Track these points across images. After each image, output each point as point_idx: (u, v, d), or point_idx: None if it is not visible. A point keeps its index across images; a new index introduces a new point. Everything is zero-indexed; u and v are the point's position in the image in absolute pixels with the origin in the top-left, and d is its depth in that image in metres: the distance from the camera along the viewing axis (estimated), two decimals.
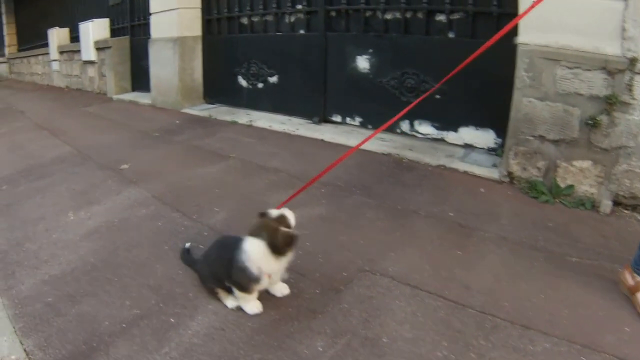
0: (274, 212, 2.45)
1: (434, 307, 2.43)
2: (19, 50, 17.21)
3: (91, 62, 10.62)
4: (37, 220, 3.81)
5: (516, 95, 3.79)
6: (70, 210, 3.92)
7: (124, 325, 2.47)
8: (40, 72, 14.54)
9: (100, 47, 10.14)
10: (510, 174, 3.90)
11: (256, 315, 2.48)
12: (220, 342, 2.31)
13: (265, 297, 2.57)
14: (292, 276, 2.67)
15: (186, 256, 2.99)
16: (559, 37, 3.56)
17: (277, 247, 2.32)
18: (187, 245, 3.05)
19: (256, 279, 2.37)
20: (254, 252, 2.35)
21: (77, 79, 11.66)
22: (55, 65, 12.80)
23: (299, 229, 3.14)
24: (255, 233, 2.40)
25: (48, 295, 2.79)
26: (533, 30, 3.66)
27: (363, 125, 5.69)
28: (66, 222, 3.73)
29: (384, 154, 4.68)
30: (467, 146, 4.75)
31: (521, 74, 3.74)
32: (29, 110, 9.19)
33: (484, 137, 4.64)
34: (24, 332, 2.50)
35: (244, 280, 2.39)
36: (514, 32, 3.74)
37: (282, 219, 2.41)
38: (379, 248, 3.03)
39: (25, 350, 2.37)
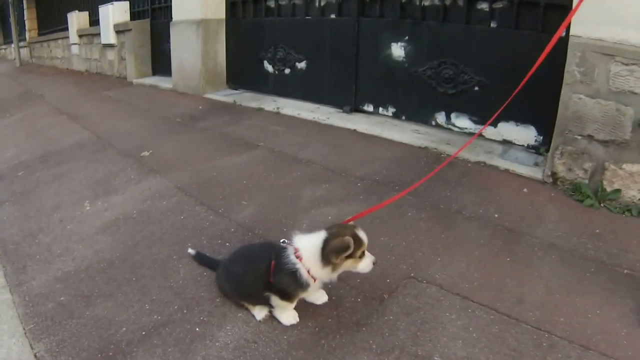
0: (359, 231, 2.15)
1: (486, 321, 2.24)
2: (39, 35, 17.16)
3: (111, 46, 10.46)
4: (52, 210, 3.64)
5: (565, 91, 3.56)
6: (86, 200, 3.73)
7: (143, 332, 2.25)
8: (60, 56, 14.45)
9: (120, 30, 9.94)
10: (554, 175, 3.66)
11: (293, 327, 2.24)
12: (252, 357, 2.07)
13: (302, 306, 2.33)
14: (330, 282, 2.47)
15: (200, 258, 2.74)
16: (616, 30, 3.28)
17: (325, 249, 2.06)
18: (191, 251, 2.77)
19: (305, 285, 2.11)
20: (306, 251, 2.11)
21: (97, 62, 11.52)
22: (75, 49, 12.68)
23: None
24: (329, 229, 2.17)
25: (61, 294, 2.60)
26: (587, 22, 3.38)
27: (396, 116, 5.42)
28: (82, 212, 3.54)
29: (420, 147, 4.43)
30: (506, 142, 4.49)
31: (572, 69, 3.48)
32: (49, 94, 9.09)
33: (525, 134, 4.38)
34: (34, 335, 2.31)
35: (291, 287, 2.13)
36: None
37: (356, 237, 2.11)
38: (423, 252, 2.80)
39: (35, 356, 2.19)
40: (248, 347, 2.11)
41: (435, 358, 2.02)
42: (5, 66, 17.75)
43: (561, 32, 2.75)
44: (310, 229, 2.99)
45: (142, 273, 2.70)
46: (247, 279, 2.26)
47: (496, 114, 3.13)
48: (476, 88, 4.61)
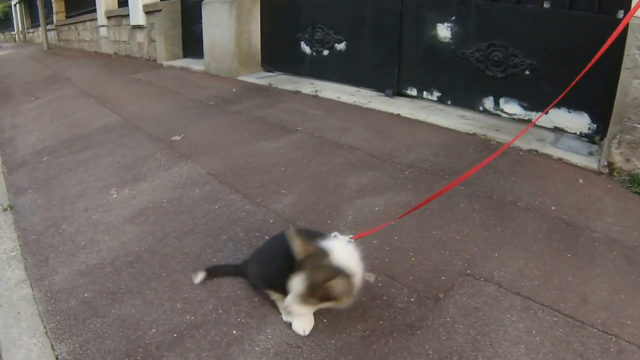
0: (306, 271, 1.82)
1: (549, 323, 2.12)
2: (67, 17, 17.38)
3: (140, 27, 10.47)
4: (77, 198, 3.55)
5: (624, 76, 3.43)
6: (113, 187, 3.64)
7: (174, 334, 2.12)
8: (88, 39, 14.59)
9: (149, 11, 9.95)
10: (610, 165, 3.53)
11: (341, 330, 2.09)
12: None
13: (353, 306, 2.16)
14: (380, 278, 2.38)
15: (217, 271, 2.49)
16: None
17: None
18: (199, 277, 2.44)
19: None
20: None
21: (126, 45, 11.57)
22: (103, 31, 12.77)
23: (384, 218, 2.74)
24: None
25: (85, 289, 2.50)
26: None
27: (441, 100, 5.31)
28: (108, 200, 3.45)
29: (469, 133, 4.32)
30: (557, 130, 4.39)
31: (632, 52, 3.33)
32: (76, 77, 9.13)
33: (577, 122, 4.25)
34: (56, 335, 2.22)
35: None
36: (620, 4, 3.47)
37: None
38: (479, 246, 2.67)
39: (57, 358, 2.09)
40: (291, 353, 1.97)
41: None
42: (32, 49, 18.05)
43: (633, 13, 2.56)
44: (356, 220, 2.87)
45: (173, 268, 2.58)
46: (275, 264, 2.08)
47: (553, 104, 2.94)
48: (527, 72, 4.49)
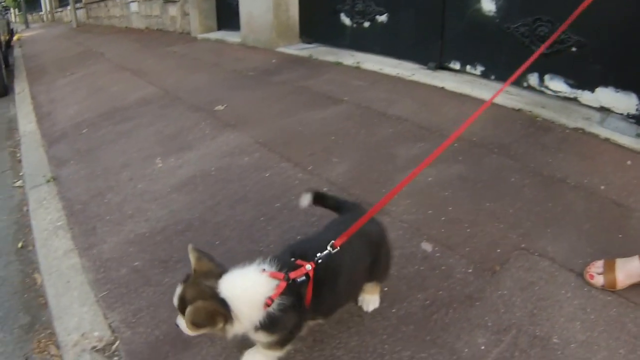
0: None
1: (603, 302, 2.10)
2: None
3: (172, 1, 10.48)
4: (121, 168, 3.57)
5: None
6: (158, 157, 3.65)
7: None
8: (118, 15, 14.70)
9: None
10: None
11: (401, 300, 2.08)
12: (358, 333, 1.93)
13: (410, 276, 2.20)
14: (438, 248, 2.40)
15: (325, 198, 2.12)
16: None
17: None
18: (305, 200, 2.06)
19: None
20: None
21: (158, 19, 11.59)
22: (134, 7, 12.83)
23: (437, 189, 2.71)
24: None
25: (135, 258, 2.51)
26: None
27: (485, 75, 5.14)
28: (153, 170, 3.45)
29: (514, 109, 4.22)
30: (603, 109, 4.21)
31: None
32: (109, 52, 9.20)
33: (625, 102, 4.06)
34: (108, 304, 2.24)
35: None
36: None
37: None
38: (532, 221, 2.63)
39: (110, 326, 2.11)
40: (353, 322, 1.97)
41: (554, 340, 1.90)
42: (61, 28, 18.29)
43: None
44: (411, 191, 2.84)
45: (227, 236, 2.56)
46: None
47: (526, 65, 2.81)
48: (573, 48, 4.29)
